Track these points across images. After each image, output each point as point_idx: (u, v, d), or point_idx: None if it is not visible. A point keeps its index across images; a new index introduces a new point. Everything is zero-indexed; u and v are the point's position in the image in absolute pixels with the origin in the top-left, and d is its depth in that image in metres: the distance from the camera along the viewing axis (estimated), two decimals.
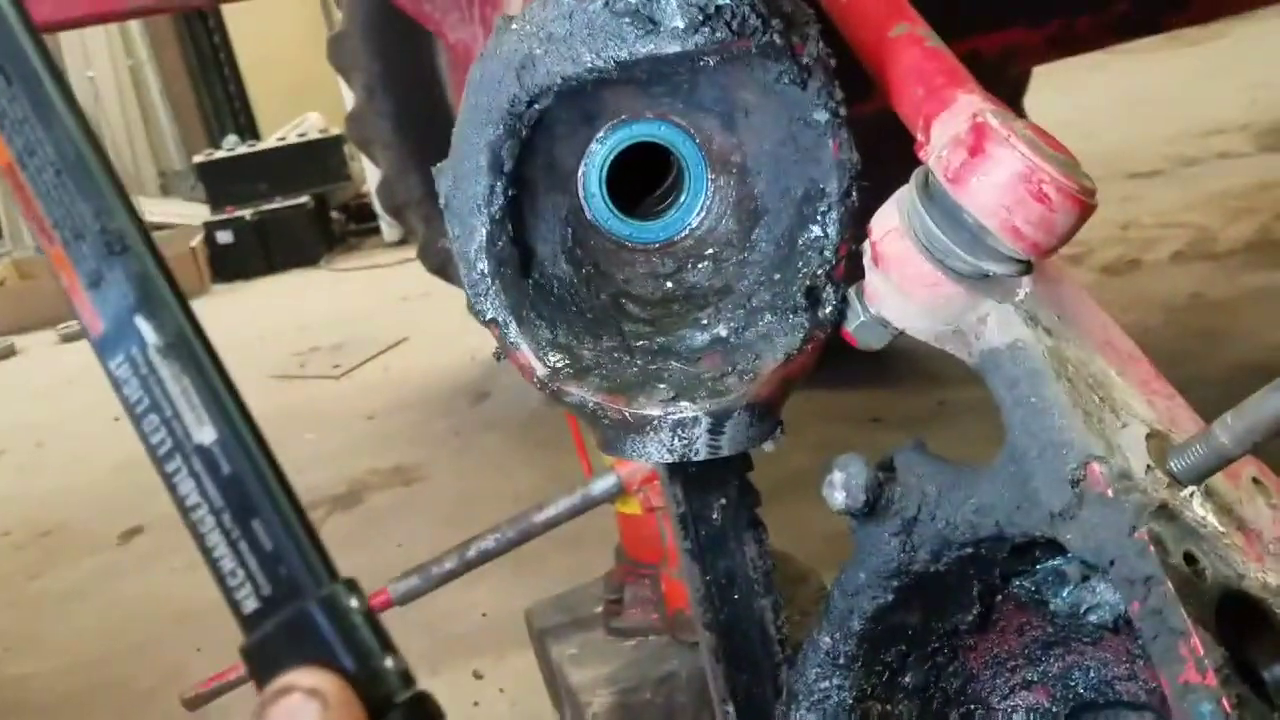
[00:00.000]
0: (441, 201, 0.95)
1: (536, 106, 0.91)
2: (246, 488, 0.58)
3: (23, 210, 0.62)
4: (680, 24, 0.85)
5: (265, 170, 8.23)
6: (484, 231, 0.94)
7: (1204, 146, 5.99)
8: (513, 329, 0.96)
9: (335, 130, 7.94)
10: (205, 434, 0.58)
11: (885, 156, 1.10)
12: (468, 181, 0.93)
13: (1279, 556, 0.85)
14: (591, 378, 0.95)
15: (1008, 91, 3.27)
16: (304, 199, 8.08)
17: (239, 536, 0.58)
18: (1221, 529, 0.83)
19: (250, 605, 0.57)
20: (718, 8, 0.84)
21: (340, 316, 6.27)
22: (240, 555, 0.57)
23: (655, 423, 0.93)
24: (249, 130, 9.81)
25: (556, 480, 1.95)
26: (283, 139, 8.53)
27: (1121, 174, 5.76)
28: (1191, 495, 0.83)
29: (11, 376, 6.43)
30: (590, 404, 0.95)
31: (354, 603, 0.56)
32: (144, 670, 2.93)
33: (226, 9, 9.55)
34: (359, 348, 5.54)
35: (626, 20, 0.85)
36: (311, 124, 8.57)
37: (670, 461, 0.95)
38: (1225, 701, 0.72)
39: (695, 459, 0.94)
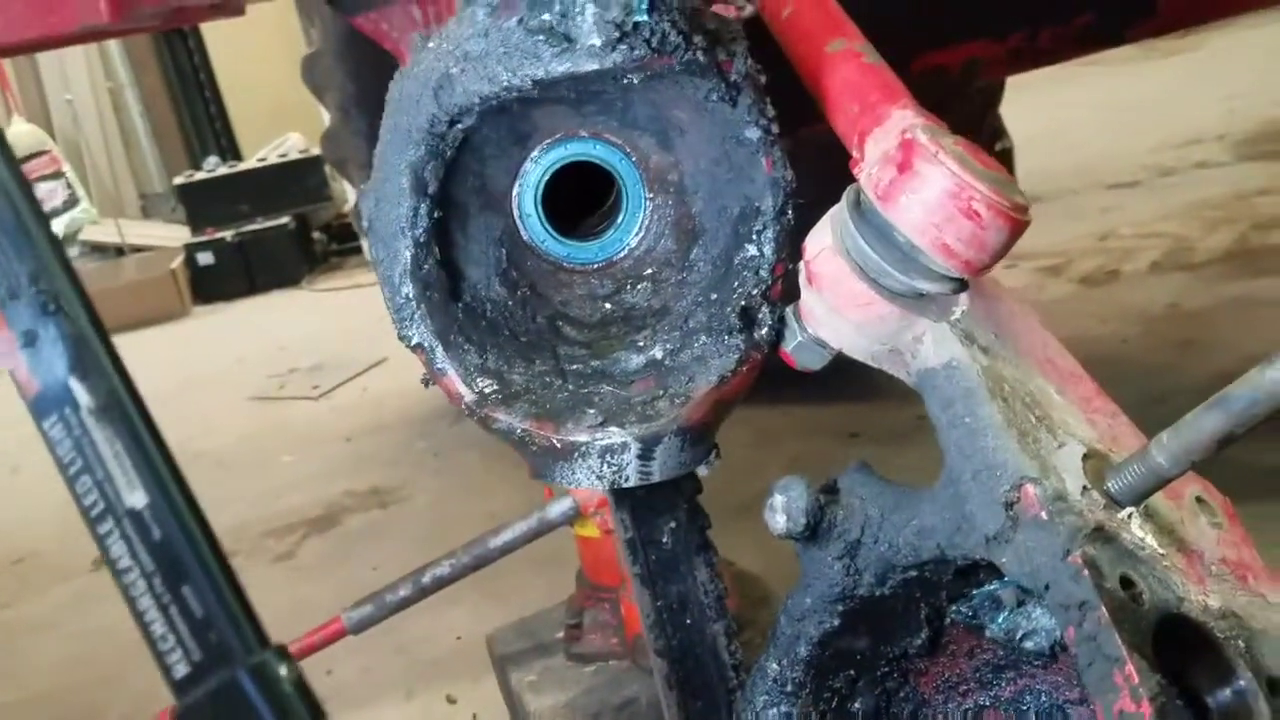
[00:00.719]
0: (364, 224, 0.93)
1: (459, 126, 0.89)
2: (177, 553, 0.58)
3: None
4: (596, 42, 0.83)
5: (246, 191, 8.20)
6: (408, 255, 0.91)
7: (1182, 157, 5.99)
8: (439, 354, 0.93)
9: (316, 150, 7.90)
10: (137, 498, 0.60)
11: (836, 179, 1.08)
12: (390, 204, 0.91)
13: (1221, 578, 0.83)
14: (520, 403, 0.93)
15: (977, 105, 3.26)
16: (285, 219, 8.05)
17: (170, 601, 0.59)
18: (1161, 551, 0.81)
19: (181, 670, 0.60)
20: (635, 25, 0.82)
21: (320, 337, 6.24)
22: (171, 620, 0.59)
23: (583, 449, 0.91)
24: (230, 151, 9.77)
25: (536, 501, 1.93)
26: (263, 159, 8.50)
27: (1100, 185, 5.77)
28: (1130, 516, 0.81)
29: None
30: (518, 430, 0.92)
31: (284, 671, 0.58)
32: (115, 700, 2.89)
33: (206, 31, 9.54)
34: (338, 368, 5.50)
35: (541, 38, 0.83)
36: (292, 144, 8.54)
37: (600, 488, 0.93)
38: None
39: (626, 485, 0.92)
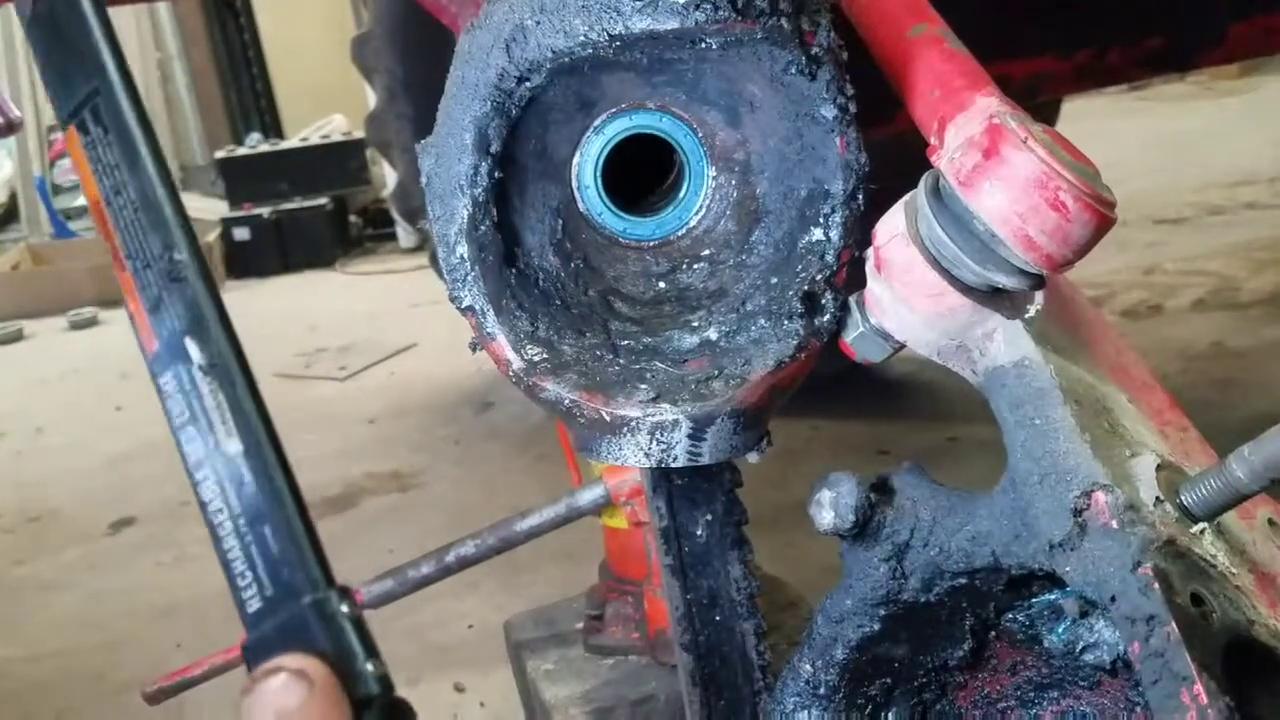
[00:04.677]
0: (423, 180, 0.90)
1: (528, 84, 0.87)
2: (262, 496, 0.63)
3: (104, 239, 0.71)
4: None
5: (286, 170, 8.20)
6: (465, 214, 0.88)
7: (1231, 197, 5.92)
8: (490, 318, 0.90)
9: (359, 134, 7.92)
10: (233, 446, 0.64)
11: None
12: (451, 160, 0.88)
13: None
14: (570, 374, 0.90)
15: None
16: (323, 200, 8.05)
17: (251, 541, 0.63)
18: (1232, 570, 0.77)
19: (254, 605, 0.62)
20: None
21: (350, 319, 6.23)
22: (250, 558, 0.63)
23: (633, 424, 0.88)
24: (273, 129, 9.80)
25: (555, 493, 1.90)
26: (305, 140, 8.51)
27: (1146, 219, 5.70)
28: (1202, 532, 0.78)
29: (17, 361, 6.39)
30: (566, 401, 0.89)
31: (344, 608, 0.61)
32: (121, 663, 2.88)
33: (258, 9, 9.58)
34: (366, 351, 5.49)
35: None
36: (335, 126, 8.54)
37: (647, 466, 0.90)
38: None
39: (674, 465, 0.88)
